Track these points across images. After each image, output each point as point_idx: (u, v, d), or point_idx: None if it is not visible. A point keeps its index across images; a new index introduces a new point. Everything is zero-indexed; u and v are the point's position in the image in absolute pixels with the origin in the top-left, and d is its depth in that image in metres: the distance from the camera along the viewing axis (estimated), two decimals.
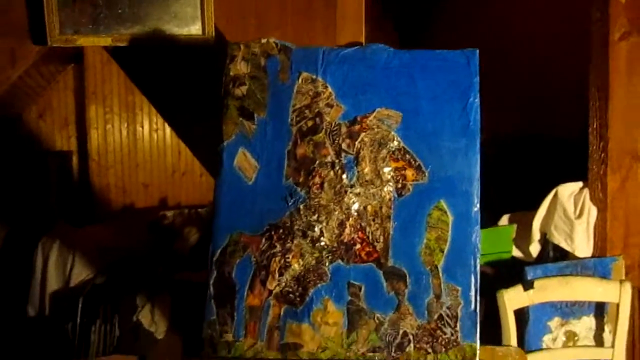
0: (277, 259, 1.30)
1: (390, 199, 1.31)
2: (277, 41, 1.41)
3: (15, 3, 1.58)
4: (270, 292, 1.29)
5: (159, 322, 3.11)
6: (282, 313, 1.27)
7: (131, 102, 4.00)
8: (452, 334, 1.23)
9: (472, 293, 1.25)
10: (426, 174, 1.31)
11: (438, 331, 1.24)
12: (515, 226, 2.51)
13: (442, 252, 1.27)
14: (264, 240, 1.32)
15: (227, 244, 1.32)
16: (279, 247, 1.30)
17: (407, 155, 1.33)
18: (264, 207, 1.33)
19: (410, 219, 1.30)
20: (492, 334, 2.20)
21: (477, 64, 1.35)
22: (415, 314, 1.25)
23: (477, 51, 1.36)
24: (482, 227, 2.57)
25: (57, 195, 3.96)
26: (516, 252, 2.54)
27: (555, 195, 2.42)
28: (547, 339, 2.28)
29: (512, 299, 2.17)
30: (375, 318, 1.26)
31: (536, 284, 2.21)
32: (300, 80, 1.38)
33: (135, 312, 3.15)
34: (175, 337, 2.80)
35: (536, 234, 2.47)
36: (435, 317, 1.25)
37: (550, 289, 2.24)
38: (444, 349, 1.23)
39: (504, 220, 2.63)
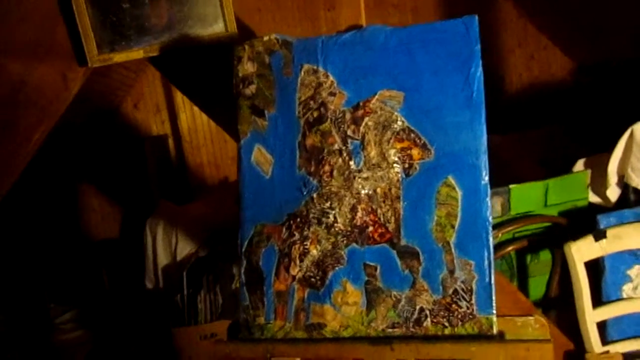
0: (297, 246, 1.39)
1: (398, 180, 1.33)
2: (278, 36, 1.45)
3: (59, 30, 1.75)
4: (294, 277, 1.38)
5: None
6: (306, 296, 1.37)
7: None
8: (467, 308, 1.25)
9: (486, 266, 1.25)
10: (432, 151, 1.31)
11: (454, 305, 1.27)
12: (589, 172, 2.38)
13: (453, 227, 1.28)
14: (284, 229, 1.41)
15: (252, 235, 1.43)
16: (297, 235, 1.39)
17: (412, 135, 1.33)
18: (282, 198, 1.42)
19: (420, 198, 1.31)
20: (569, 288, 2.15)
21: (477, 30, 1.30)
22: (430, 289, 1.29)
23: (476, 17, 1.30)
24: (557, 174, 2.48)
25: (158, 176, 4.33)
26: (594, 199, 2.42)
27: (631, 135, 2.26)
28: (627, 288, 2.18)
29: (582, 250, 2.10)
30: (392, 296, 1.31)
31: (609, 232, 2.11)
32: (302, 72, 1.42)
33: (233, 281, 3.41)
34: None
35: (612, 178, 2.33)
36: (450, 291, 1.27)
37: (627, 237, 2.12)
38: (460, 322, 1.26)
39: (579, 165, 2.49)
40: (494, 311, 1.24)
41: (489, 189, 1.27)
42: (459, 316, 1.26)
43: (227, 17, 1.75)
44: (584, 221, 2.29)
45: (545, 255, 2.40)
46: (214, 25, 1.76)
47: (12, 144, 1.75)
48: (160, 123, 4.56)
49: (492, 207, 2.29)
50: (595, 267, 2.16)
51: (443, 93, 1.31)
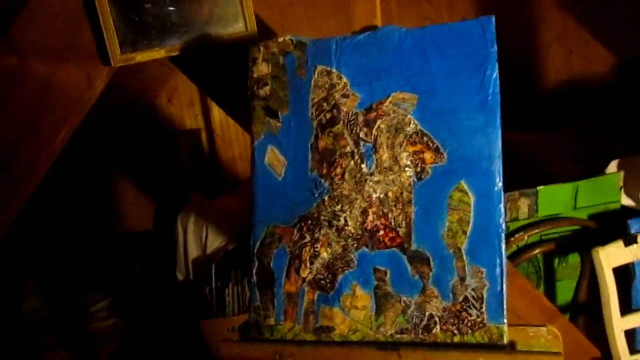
0: (308, 248, 1.38)
1: (410, 184, 1.31)
2: (292, 38, 1.44)
3: (84, 31, 1.79)
4: (304, 279, 1.38)
5: None
6: (315, 298, 1.37)
7: None
8: (477, 316, 1.23)
9: (498, 274, 1.22)
10: (445, 155, 1.29)
11: (464, 313, 1.24)
12: (621, 174, 2.30)
13: (465, 233, 1.25)
14: (295, 231, 1.40)
15: (264, 236, 1.43)
16: (308, 238, 1.39)
17: (425, 138, 1.31)
18: (293, 200, 1.41)
19: (431, 202, 1.29)
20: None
21: (494, 32, 1.26)
22: (440, 296, 1.27)
23: (493, 18, 1.27)
24: (594, 171, 2.41)
25: (191, 170, 4.40)
26: (627, 202, 2.34)
27: None
28: None
29: (611, 256, 2.04)
30: (402, 301, 1.29)
31: None
32: (316, 74, 1.41)
33: None
34: None
35: None
36: (461, 299, 1.25)
37: None
38: (469, 331, 1.23)
39: (613, 166, 2.41)
40: (505, 320, 1.21)
41: (502, 195, 1.24)
42: (469, 324, 1.23)
43: (247, 17, 1.75)
44: (615, 225, 2.22)
45: (574, 259, 2.33)
46: (234, 25, 1.76)
47: (37, 145, 1.80)
48: (193, 117, 4.61)
49: (519, 209, 2.24)
50: (625, 273, 2.09)
51: (457, 96, 1.28)
